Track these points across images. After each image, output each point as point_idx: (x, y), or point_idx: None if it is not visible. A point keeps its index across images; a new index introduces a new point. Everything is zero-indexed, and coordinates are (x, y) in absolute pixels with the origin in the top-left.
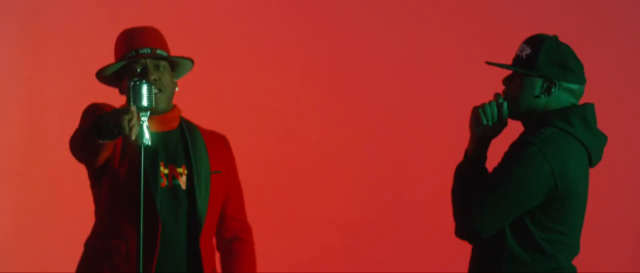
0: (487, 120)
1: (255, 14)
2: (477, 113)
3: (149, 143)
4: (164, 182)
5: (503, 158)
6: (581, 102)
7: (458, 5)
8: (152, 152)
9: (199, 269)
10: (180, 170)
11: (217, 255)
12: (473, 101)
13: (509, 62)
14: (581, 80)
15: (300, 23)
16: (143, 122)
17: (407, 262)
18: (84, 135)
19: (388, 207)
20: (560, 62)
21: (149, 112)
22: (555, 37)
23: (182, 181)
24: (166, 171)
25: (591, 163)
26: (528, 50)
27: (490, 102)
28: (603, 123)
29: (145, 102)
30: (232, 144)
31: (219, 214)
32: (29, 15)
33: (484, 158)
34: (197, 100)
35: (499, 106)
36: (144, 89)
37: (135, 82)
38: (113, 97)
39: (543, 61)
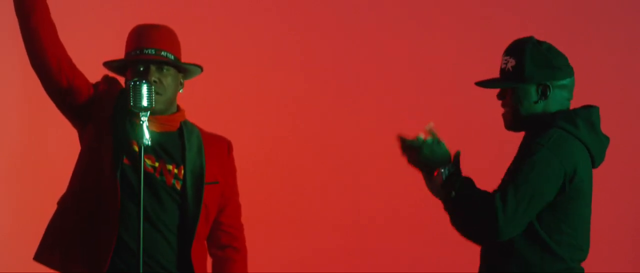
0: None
1: (256, 14)
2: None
3: (149, 143)
4: (151, 169)
5: (514, 162)
6: (580, 99)
7: (459, 6)
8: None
9: None
10: (170, 167)
11: (209, 260)
12: (473, 101)
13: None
14: (570, 73)
15: (300, 23)
16: (143, 122)
17: (406, 262)
18: None
19: (387, 208)
20: (546, 63)
21: (149, 112)
22: (532, 39)
23: (169, 179)
24: (155, 165)
25: (594, 165)
26: (512, 62)
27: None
28: (604, 123)
29: (145, 102)
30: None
31: (211, 223)
32: None
33: (460, 174)
34: (195, 100)
35: (436, 145)
36: (144, 89)
37: (135, 82)
38: None
39: (530, 69)
